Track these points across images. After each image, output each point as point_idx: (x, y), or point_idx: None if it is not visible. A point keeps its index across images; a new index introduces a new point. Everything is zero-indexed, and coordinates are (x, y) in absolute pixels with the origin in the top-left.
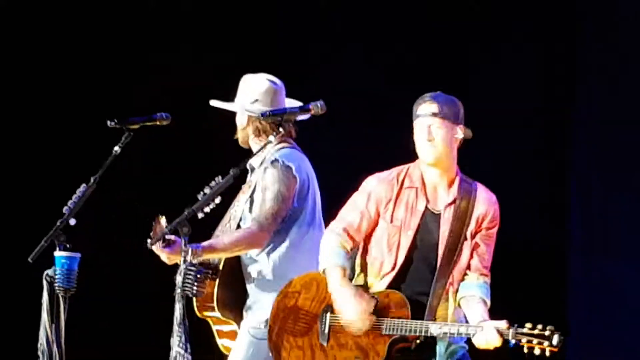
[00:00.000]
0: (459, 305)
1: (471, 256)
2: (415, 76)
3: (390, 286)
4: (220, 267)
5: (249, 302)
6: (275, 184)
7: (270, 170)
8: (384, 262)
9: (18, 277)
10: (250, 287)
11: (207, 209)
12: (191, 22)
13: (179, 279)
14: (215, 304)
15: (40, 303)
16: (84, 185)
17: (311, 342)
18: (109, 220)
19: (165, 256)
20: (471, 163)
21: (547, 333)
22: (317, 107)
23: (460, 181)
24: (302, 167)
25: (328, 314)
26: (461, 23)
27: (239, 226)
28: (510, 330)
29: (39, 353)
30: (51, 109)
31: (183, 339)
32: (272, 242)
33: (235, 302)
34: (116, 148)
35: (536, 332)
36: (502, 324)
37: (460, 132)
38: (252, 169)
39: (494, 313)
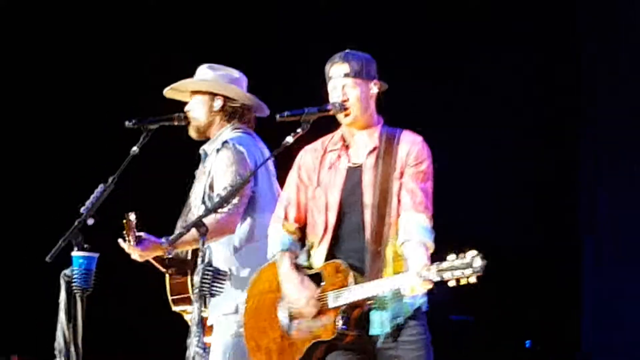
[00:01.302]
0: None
1: (401, 195)
2: (415, 76)
3: (329, 250)
4: (189, 257)
5: None
6: (232, 166)
7: (223, 152)
8: (317, 226)
9: (36, 277)
10: None
11: None
12: (192, 24)
13: (196, 279)
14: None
15: (58, 303)
16: (101, 185)
17: (278, 334)
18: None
19: (137, 254)
20: (476, 173)
21: (467, 260)
22: (336, 107)
23: (382, 129)
24: (252, 151)
25: (285, 302)
26: (461, 23)
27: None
28: (432, 269)
29: (56, 352)
30: (70, 109)
31: (201, 338)
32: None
33: None
34: (134, 148)
35: (457, 262)
36: (422, 267)
37: (374, 88)
38: (206, 155)
39: (508, 324)
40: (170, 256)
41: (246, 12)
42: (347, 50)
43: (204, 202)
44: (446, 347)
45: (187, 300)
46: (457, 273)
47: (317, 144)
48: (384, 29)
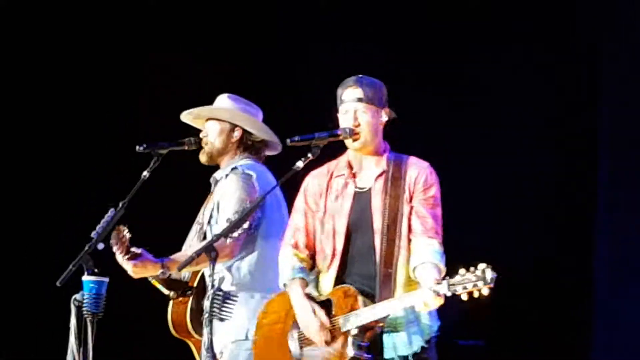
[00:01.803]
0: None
1: (410, 222)
2: (416, 76)
3: (337, 276)
4: (194, 284)
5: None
6: (237, 192)
7: (230, 177)
8: (325, 252)
9: (46, 302)
10: None
11: None
12: (192, 26)
13: (206, 303)
14: (192, 332)
15: (68, 327)
16: (112, 209)
17: None
18: (139, 240)
19: (131, 269)
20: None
21: (479, 273)
22: (346, 132)
23: (389, 155)
24: (262, 176)
25: (296, 331)
26: (462, 22)
27: (204, 238)
28: (444, 284)
29: None
30: (81, 135)
31: None
32: (239, 253)
33: None
34: (145, 173)
35: (469, 276)
36: (433, 281)
37: (384, 116)
38: (216, 182)
39: (522, 338)
40: (166, 277)
41: (246, 11)
42: (360, 75)
43: (209, 224)
44: None
45: (185, 332)
46: (469, 286)
47: (323, 170)
48: (385, 29)
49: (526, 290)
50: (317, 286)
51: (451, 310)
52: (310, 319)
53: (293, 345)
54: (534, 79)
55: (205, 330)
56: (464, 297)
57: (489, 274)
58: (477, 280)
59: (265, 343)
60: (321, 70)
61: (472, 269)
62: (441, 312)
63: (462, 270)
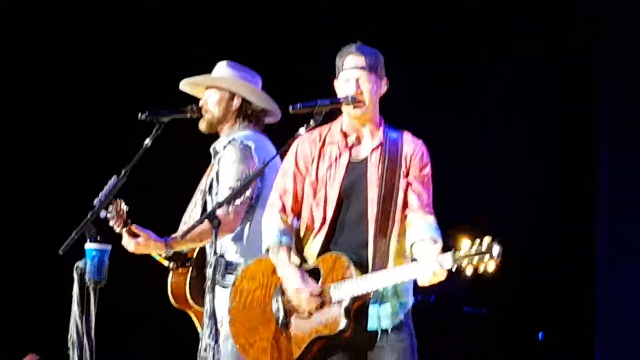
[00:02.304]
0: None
1: (407, 196)
2: (417, 78)
3: (325, 243)
4: (194, 255)
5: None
6: (235, 164)
7: (228, 149)
8: (314, 219)
9: (49, 270)
10: None
11: None
12: (192, 24)
13: (209, 271)
14: (192, 302)
15: (71, 295)
16: (114, 177)
17: (273, 330)
18: (140, 212)
19: (133, 247)
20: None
21: (484, 247)
22: (348, 100)
23: (385, 128)
24: (261, 146)
25: (279, 298)
26: (462, 23)
27: (204, 210)
28: (448, 256)
29: (70, 345)
30: (82, 102)
31: (213, 330)
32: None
33: None
34: (147, 141)
35: (474, 250)
36: (440, 253)
37: (384, 86)
38: (216, 153)
39: (521, 316)
40: (169, 254)
41: (247, 12)
42: (360, 43)
43: (210, 194)
44: (459, 339)
45: (185, 302)
46: (475, 260)
47: (314, 135)
48: (385, 29)
49: (529, 260)
50: (298, 252)
51: (457, 278)
52: (299, 287)
53: (277, 312)
54: (535, 78)
55: (208, 297)
56: (469, 271)
57: (496, 248)
58: (483, 254)
59: (245, 310)
60: (322, 70)
61: (477, 241)
62: (446, 280)
63: (465, 244)
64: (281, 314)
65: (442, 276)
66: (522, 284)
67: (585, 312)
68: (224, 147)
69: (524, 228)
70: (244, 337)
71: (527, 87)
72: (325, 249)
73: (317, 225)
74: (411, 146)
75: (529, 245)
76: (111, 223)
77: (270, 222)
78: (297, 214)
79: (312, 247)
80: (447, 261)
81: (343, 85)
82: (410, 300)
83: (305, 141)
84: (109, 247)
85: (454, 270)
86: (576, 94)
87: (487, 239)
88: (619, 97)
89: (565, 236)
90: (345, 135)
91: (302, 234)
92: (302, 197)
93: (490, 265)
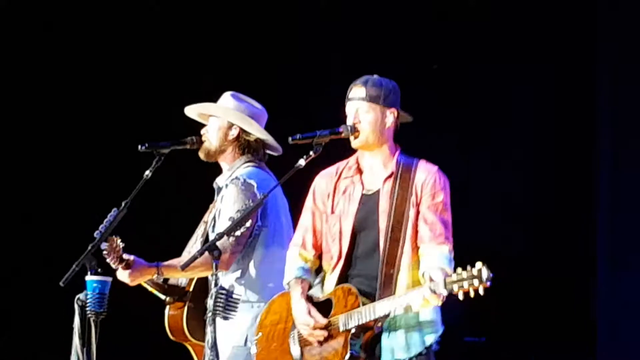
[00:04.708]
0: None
1: (418, 228)
2: (418, 79)
3: (341, 277)
4: (191, 288)
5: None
6: (234, 204)
7: (230, 188)
8: (331, 254)
9: (50, 301)
10: None
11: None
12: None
13: (210, 302)
14: (189, 336)
15: (72, 327)
16: (115, 209)
17: None
18: (139, 244)
19: (127, 278)
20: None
21: (475, 272)
22: (347, 129)
23: (399, 157)
24: (263, 185)
25: (296, 331)
26: (463, 24)
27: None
28: (440, 282)
29: None
30: (83, 135)
31: None
32: (238, 262)
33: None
34: (147, 172)
35: (465, 274)
36: (430, 280)
37: (390, 116)
38: (219, 189)
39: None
40: (160, 281)
41: (267, 29)
42: (369, 75)
43: (213, 232)
44: None
45: (182, 336)
46: (466, 284)
47: (332, 170)
48: (385, 29)
49: (529, 287)
50: (322, 288)
51: (457, 307)
52: (305, 319)
53: (293, 345)
54: (535, 77)
55: (209, 329)
56: (460, 296)
57: (485, 273)
58: (473, 279)
59: (267, 342)
60: (338, 88)
61: (468, 267)
62: (446, 309)
63: (459, 269)
64: (297, 347)
65: (434, 301)
66: (521, 311)
67: (587, 339)
68: (226, 185)
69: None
70: None
71: (526, 86)
72: (341, 281)
73: (334, 260)
74: (423, 174)
75: (528, 270)
76: (107, 260)
77: (290, 258)
78: (319, 250)
79: (330, 281)
80: (439, 287)
81: (348, 117)
82: (435, 334)
83: (323, 177)
84: (109, 279)
85: (445, 294)
86: (576, 93)
87: (478, 264)
88: (620, 95)
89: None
90: (359, 168)
91: (324, 269)
92: (322, 234)
93: (480, 290)
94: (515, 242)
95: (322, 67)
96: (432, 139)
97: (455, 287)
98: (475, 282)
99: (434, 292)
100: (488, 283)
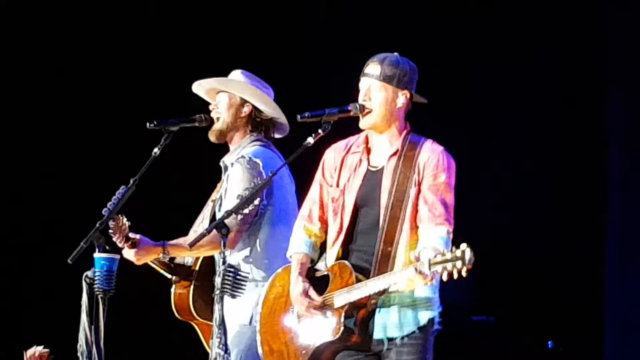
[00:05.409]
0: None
1: (418, 207)
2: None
3: (341, 251)
4: (197, 267)
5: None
6: (240, 183)
7: (236, 167)
8: (334, 227)
9: (58, 279)
10: None
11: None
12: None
13: (217, 280)
14: (195, 315)
15: (80, 304)
16: (123, 186)
17: (289, 336)
18: (148, 221)
19: (133, 257)
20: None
21: (459, 253)
22: (356, 108)
23: (407, 135)
24: (269, 163)
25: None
26: (464, 24)
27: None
28: (425, 263)
29: (79, 354)
30: (92, 111)
31: (223, 340)
32: (244, 240)
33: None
34: (155, 150)
35: (449, 256)
36: (417, 260)
37: (402, 97)
38: (225, 168)
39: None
40: (167, 260)
41: (267, 29)
42: (389, 53)
43: (219, 211)
44: (468, 348)
45: (188, 315)
46: (449, 266)
47: (342, 144)
48: (385, 30)
49: (538, 268)
50: (324, 261)
51: (466, 286)
52: (300, 300)
53: (292, 318)
54: (542, 78)
55: (217, 307)
56: (444, 277)
57: (468, 255)
58: (456, 260)
59: (270, 316)
60: (341, 85)
61: (453, 248)
62: (454, 289)
63: (444, 250)
64: (295, 320)
65: (419, 281)
66: (530, 291)
67: (595, 320)
68: (232, 164)
69: (532, 234)
70: (268, 344)
71: (533, 86)
72: (342, 256)
73: (335, 233)
74: (427, 153)
75: (537, 251)
76: (114, 238)
77: (295, 231)
78: (325, 224)
79: (330, 255)
80: (424, 267)
81: (360, 92)
82: (430, 313)
83: (332, 150)
84: (117, 257)
85: (429, 274)
86: (585, 93)
87: (462, 246)
88: (629, 97)
89: (574, 244)
90: (367, 144)
91: (327, 242)
92: (328, 206)
93: (463, 272)
94: (525, 240)
95: (322, 67)
96: (432, 138)
97: (439, 268)
98: (458, 263)
99: (420, 272)
100: (470, 265)
